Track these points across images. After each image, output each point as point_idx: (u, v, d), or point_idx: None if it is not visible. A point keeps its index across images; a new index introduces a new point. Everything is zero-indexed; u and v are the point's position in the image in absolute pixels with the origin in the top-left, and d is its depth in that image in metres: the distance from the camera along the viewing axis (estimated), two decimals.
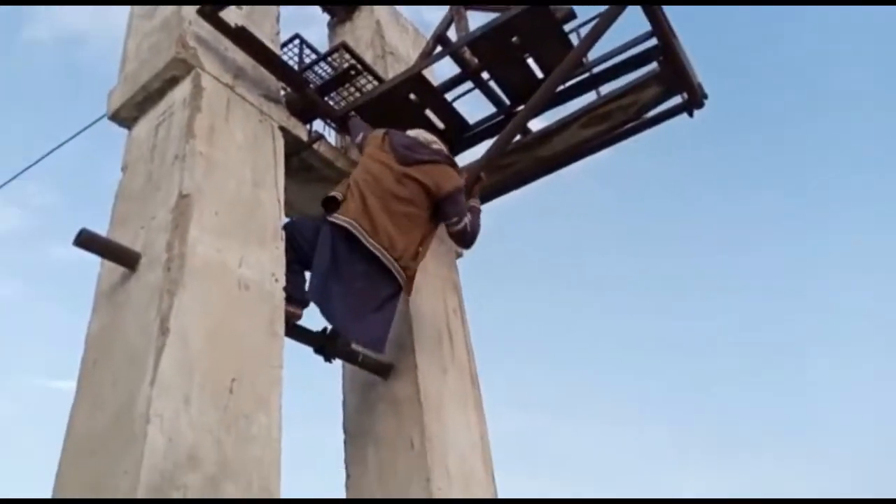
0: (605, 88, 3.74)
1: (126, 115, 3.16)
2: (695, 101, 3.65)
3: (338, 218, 3.06)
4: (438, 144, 3.34)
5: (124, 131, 3.19)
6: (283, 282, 2.82)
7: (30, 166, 4.43)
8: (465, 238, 3.27)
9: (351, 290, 2.98)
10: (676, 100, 3.72)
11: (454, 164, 3.37)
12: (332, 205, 3.14)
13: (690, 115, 3.75)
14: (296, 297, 2.99)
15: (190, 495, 2.08)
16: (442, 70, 4.33)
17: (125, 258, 2.54)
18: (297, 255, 3.06)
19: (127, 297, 2.53)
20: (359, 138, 3.50)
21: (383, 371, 3.51)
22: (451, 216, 3.18)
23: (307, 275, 3.07)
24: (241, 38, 3.16)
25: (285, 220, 3.12)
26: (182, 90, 2.99)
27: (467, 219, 3.22)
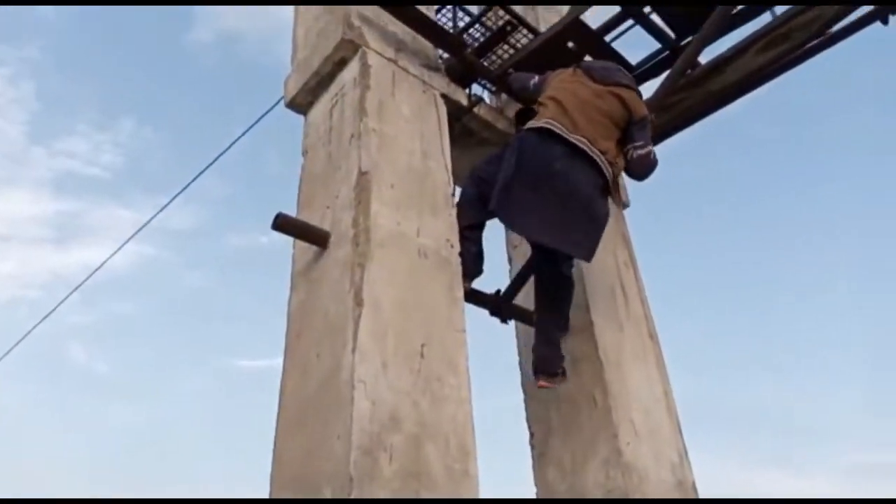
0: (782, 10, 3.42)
1: (301, 101, 3.36)
2: (890, 4, 3.24)
3: (533, 123, 3.09)
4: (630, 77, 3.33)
5: (286, 122, 3.38)
6: (458, 247, 2.90)
7: (211, 163, 4.87)
8: (647, 165, 3.18)
9: (550, 196, 2.94)
10: (866, 10, 3.33)
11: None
12: (524, 118, 3.19)
13: (885, 22, 3.34)
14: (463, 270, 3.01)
15: (395, 455, 2.23)
16: (598, 14, 4.17)
17: (316, 237, 2.73)
18: (482, 193, 3.12)
19: (321, 273, 2.72)
20: (533, 82, 3.44)
21: None
22: (638, 139, 3.14)
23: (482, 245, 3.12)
24: (401, 9, 3.22)
25: (454, 187, 3.18)
26: (351, 70, 3.12)
27: (652, 146, 3.18)
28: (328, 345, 2.48)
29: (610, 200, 3.13)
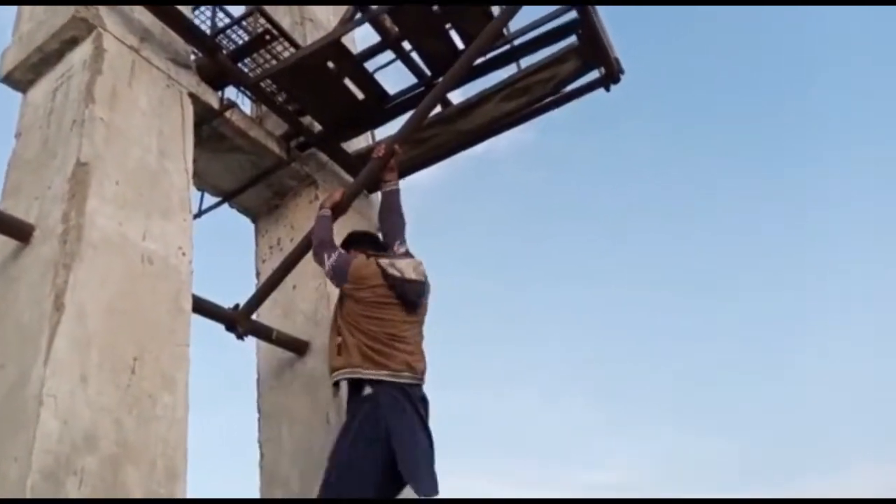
0: (526, 63, 3.74)
1: (20, 78, 2.96)
2: (612, 75, 3.69)
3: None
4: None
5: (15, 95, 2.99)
6: (190, 255, 2.71)
7: None
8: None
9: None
10: (595, 74, 3.76)
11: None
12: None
13: (607, 89, 3.79)
14: None
15: (88, 479, 1.99)
16: (364, 39, 4.24)
17: (17, 230, 2.39)
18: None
19: (19, 271, 2.38)
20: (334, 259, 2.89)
21: (299, 348, 3.45)
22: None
23: None
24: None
25: (194, 191, 2.99)
26: (82, 52, 2.81)
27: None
28: (17, 354, 2.16)
29: None
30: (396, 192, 3.26)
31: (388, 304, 2.73)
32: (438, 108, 3.77)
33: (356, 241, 3.10)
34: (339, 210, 3.13)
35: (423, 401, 2.68)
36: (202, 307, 2.99)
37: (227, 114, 3.40)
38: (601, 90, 3.80)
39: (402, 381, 2.61)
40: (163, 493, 2.17)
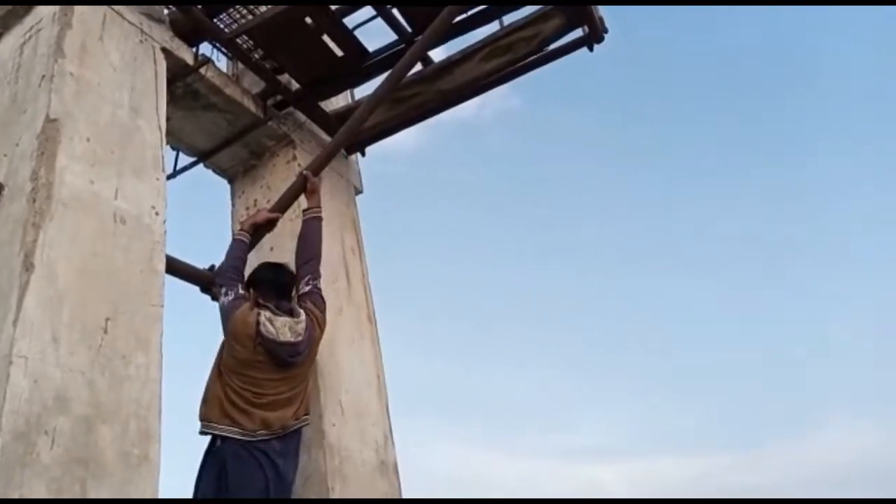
0: (509, 21, 3.67)
1: None
2: (595, 35, 3.65)
3: None
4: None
5: None
6: (163, 215, 2.67)
7: None
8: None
9: None
10: (578, 34, 3.70)
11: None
12: None
13: (590, 48, 3.75)
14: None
15: (60, 439, 1.98)
16: None
17: None
18: None
19: None
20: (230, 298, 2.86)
21: None
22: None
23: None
24: None
25: (169, 151, 2.94)
26: (51, 5, 2.72)
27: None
28: None
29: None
30: (318, 219, 3.14)
31: (259, 363, 2.72)
32: (419, 67, 3.71)
33: (259, 281, 2.98)
34: (259, 232, 3.08)
35: (283, 453, 2.71)
36: (176, 268, 2.97)
37: (202, 70, 3.32)
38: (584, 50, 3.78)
39: (254, 439, 2.64)
40: (136, 454, 2.17)
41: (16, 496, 1.84)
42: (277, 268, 3.07)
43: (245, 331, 2.71)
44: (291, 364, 2.78)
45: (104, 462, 2.07)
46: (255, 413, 2.67)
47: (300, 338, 2.78)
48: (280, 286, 2.98)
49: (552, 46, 3.80)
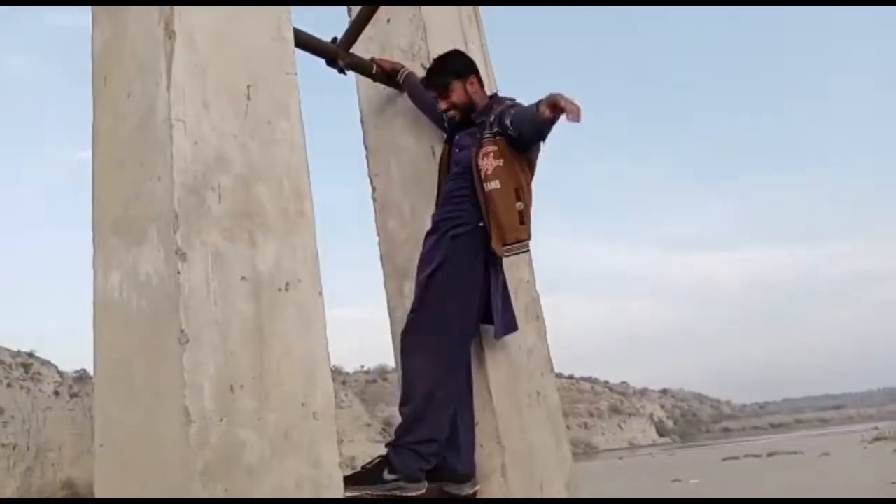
0: None
1: None
2: None
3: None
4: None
5: None
6: None
7: None
8: None
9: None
10: None
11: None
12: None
13: None
14: None
15: (225, 194, 2.14)
16: None
17: None
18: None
19: (126, 7, 2.39)
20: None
21: (399, 84, 3.42)
22: None
23: None
24: None
25: None
26: None
27: None
28: (140, 84, 2.24)
29: None
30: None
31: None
32: None
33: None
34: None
35: None
36: (303, 40, 2.96)
37: None
38: None
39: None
40: (293, 210, 2.32)
41: (197, 243, 2.04)
42: None
43: None
44: None
45: (266, 216, 2.23)
46: None
47: None
48: None
49: None
